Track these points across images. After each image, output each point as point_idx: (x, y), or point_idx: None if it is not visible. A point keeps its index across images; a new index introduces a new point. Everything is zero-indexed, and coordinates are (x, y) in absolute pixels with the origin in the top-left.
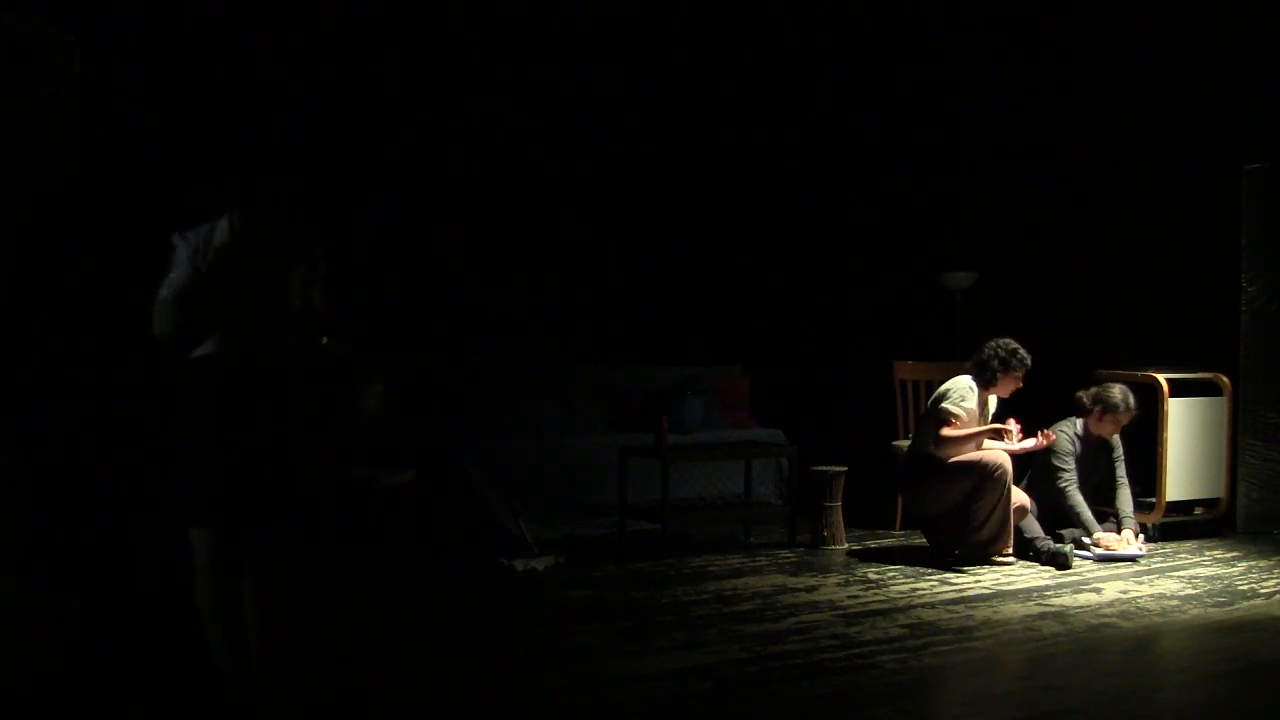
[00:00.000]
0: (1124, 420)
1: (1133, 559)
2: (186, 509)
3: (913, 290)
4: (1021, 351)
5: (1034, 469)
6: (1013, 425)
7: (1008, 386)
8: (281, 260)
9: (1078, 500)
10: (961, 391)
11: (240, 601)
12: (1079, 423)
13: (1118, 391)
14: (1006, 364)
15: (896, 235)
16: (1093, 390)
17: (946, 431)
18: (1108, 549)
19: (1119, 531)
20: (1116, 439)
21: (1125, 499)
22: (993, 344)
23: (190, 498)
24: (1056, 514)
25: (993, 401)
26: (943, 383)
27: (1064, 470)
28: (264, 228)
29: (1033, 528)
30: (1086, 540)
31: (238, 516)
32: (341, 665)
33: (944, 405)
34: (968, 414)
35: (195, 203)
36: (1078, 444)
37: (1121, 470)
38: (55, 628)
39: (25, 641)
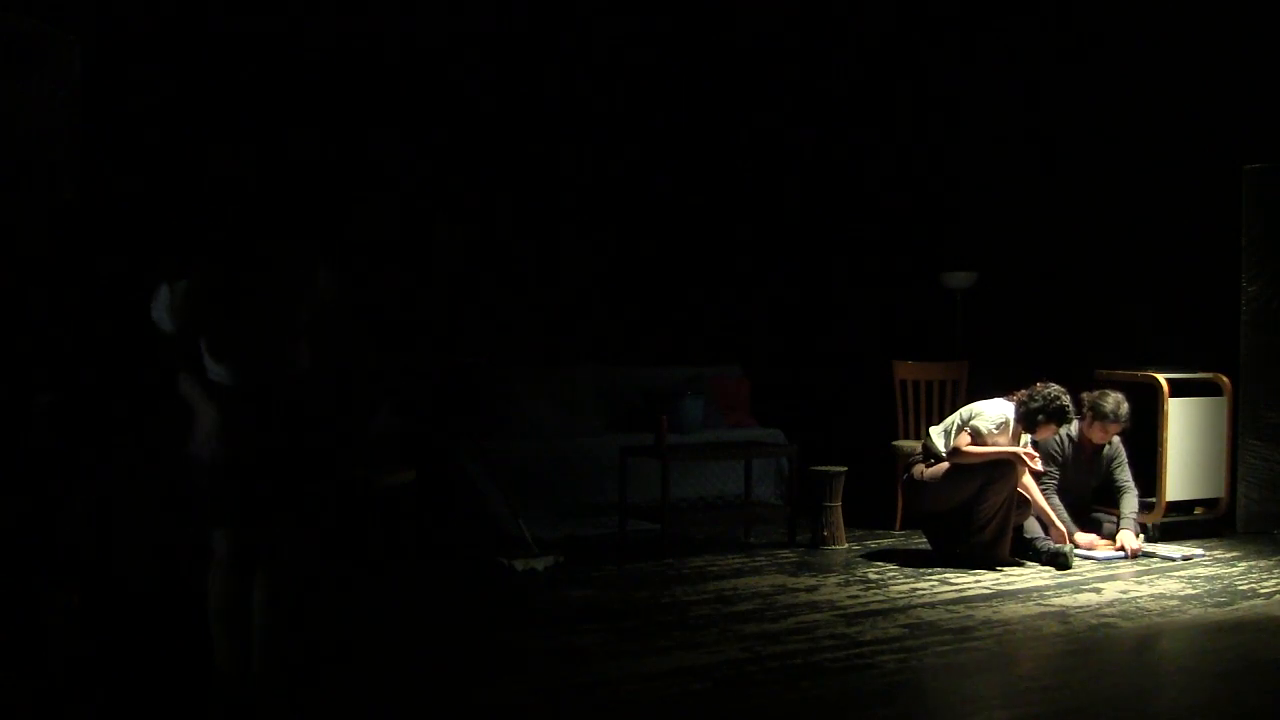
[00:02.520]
0: (1113, 430)
1: (1118, 559)
2: (208, 509)
3: (913, 290)
4: (1070, 411)
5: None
6: (1035, 452)
7: (1044, 434)
8: (287, 292)
9: (1054, 502)
10: (998, 419)
11: (249, 601)
12: (1074, 424)
13: (1111, 400)
14: (1053, 418)
15: (896, 235)
16: (1092, 395)
17: (968, 446)
18: (1089, 548)
19: (1118, 530)
20: (1119, 444)
21: (1129, 501)
22: (1044, 392)
23: (211, 499)
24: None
25: (1026, 437)
26: (944, 381)
27: (1044, 475)
28: (266, 266)
29: (1033, 528)
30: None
31: (253, 516)
32: (340, 665)
33: (976, 424)
34: (992, 442)
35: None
36: (1066, 446)
37: (1126, 475)
38: (55, 628)
39: (24, 642)
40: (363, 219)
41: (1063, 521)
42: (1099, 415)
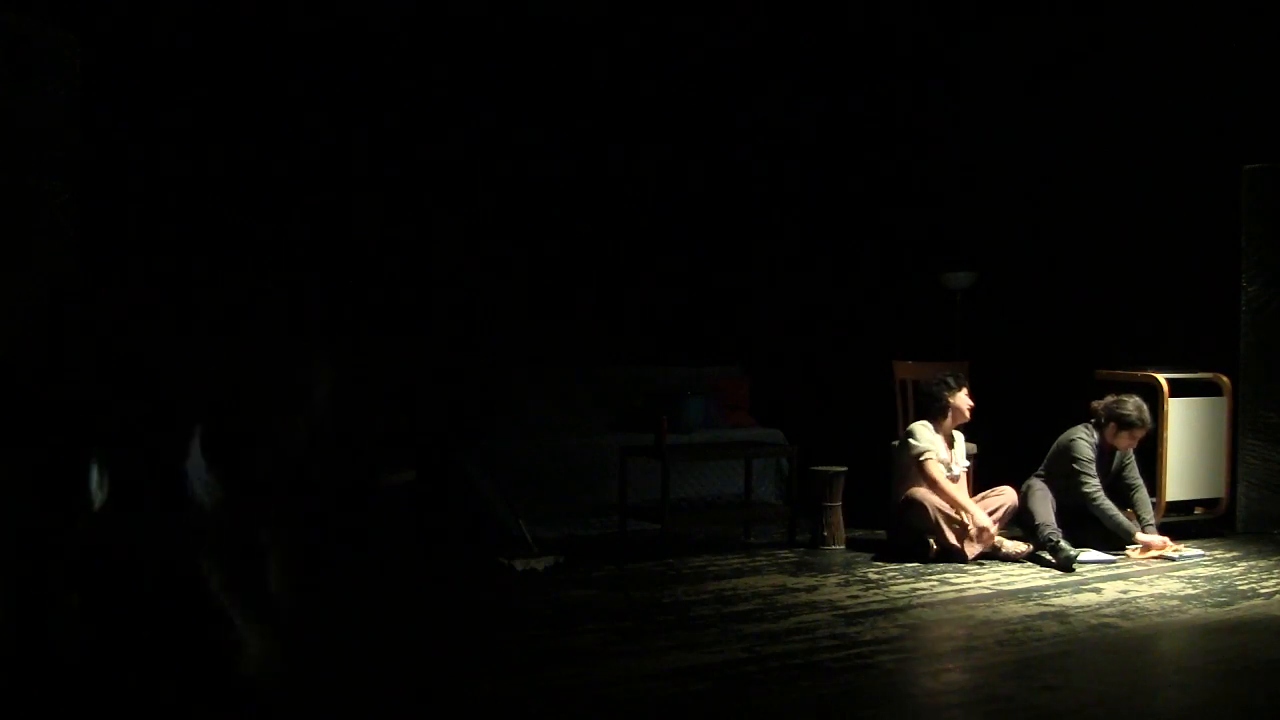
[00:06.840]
0: (1140, 434)
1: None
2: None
3: (913, 290)
4: (955, 378)
5: (1054, 477)
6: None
7: (959, 414)
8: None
9: (1108, 506)
10: (921, 432)
11: (253, 596)
12: (1095, 431)
13: (1132, 406)
14: (945, 385)
15: (896, 235)
16: (1105, 402)
17: (937, 482)
18: (1159, 549)
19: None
20: None
21: (1145, 503)
22: (928, 391)
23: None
24: (1075, 519)
25: (959, 448)
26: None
27: (1089, 477)
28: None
29: (1045, 516)
30: (1128, 549)
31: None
32: (340, 664)
33: (919, 454)
34: (933, 446)
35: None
36: (1095, 452)
37: (1136, 473)
38: (55, 628)
39: (23, 642)
40: (363, 218)
41: (1121, 526)
42: (1125, 423)
